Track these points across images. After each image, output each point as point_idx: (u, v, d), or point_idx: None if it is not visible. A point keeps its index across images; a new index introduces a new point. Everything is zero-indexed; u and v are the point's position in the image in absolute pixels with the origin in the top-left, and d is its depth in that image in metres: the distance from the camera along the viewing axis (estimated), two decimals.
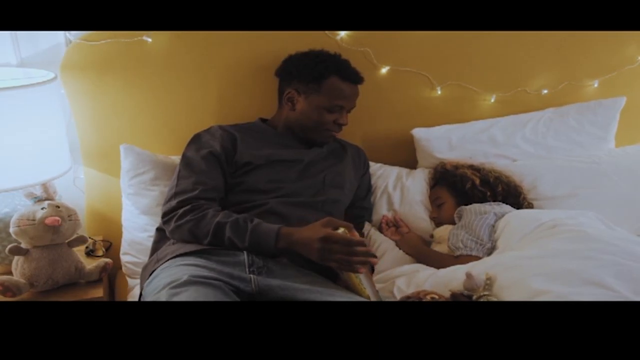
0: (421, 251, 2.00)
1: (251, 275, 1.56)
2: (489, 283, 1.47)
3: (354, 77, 1.96)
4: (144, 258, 1.94)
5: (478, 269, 1.53)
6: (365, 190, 2.14)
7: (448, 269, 1.70)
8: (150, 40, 2.01)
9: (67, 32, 1.98)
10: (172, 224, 1.69)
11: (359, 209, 2.10)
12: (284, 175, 1.87)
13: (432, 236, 2.11)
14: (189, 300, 1.32)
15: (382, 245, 2.04)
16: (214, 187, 1.78)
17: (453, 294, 1.50)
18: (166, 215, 1.73)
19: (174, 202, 1.72)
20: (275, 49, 2.09)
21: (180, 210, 1.69)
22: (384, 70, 2.27)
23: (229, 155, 1.84)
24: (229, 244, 1.62)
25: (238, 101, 2.17)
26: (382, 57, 2.25)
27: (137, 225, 2.03)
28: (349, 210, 2.04)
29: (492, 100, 2.42)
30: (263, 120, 2.06)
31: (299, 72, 1.93)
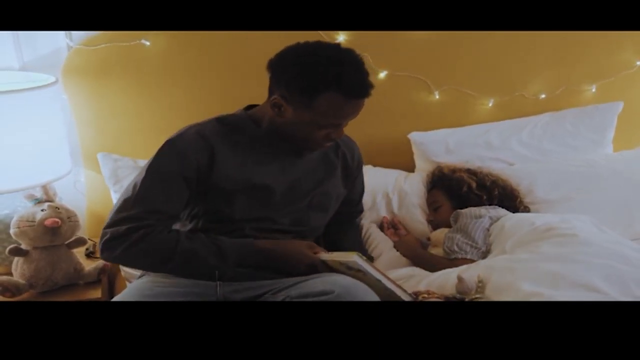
0: (417, 254, 2.00)
1: (217, 282, 1.54)
2: (480, 286, 1.48)
3: (358, 91, 1.50)
4: None
5: (470, 272, 1.54)
6: (358, 194, 1.97)
7: (441, 272, 1.71)
8: (148, 43, 2.04)
9: (67, 38, 2.01)
10: (118, 251, 1.47)
11: (351, 213, 1.97)
12: (266, 200, 1.63)
13: (429, 239, 2.13)
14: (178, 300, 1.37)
15: (380, 245, 2.05)
16: (173, 216, 1.55)
17: (446, 298, 1.51)
18: (112, 241, 1.47)
19: (122, 228, 1.46)
20: (274, 50, 2.11)
21: (132, 238, 1.46)
22: (382, 74, 2.28)
23: (202, 175, 1.55)
24: (204, 273, 1.52)
25: (236, 103, 2.18)
26: (381, 61, 2.27)
27: None
28: (341, 209, 1.86)
29: (490, 105, 2.43)
30: (249, 107, 1.71)
31: (289, 78, 1.50)
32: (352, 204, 1.96)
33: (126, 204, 1.49)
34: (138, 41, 2.04)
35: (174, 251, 1.48)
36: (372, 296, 1.39)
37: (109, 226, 1.48)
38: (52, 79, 1.86)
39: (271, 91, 1.57)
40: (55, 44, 2.02)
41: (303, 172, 1.68)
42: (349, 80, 1.47)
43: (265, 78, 2.13)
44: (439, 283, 1.63)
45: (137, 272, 1.94)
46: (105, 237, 1.47)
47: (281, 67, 1.53)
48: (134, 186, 1.51)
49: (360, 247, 1.97)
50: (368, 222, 2.16)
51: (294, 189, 1.66)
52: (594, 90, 2.50)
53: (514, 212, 2.03)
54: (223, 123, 1.64)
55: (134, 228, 1.46)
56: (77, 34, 2.02)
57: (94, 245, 2.11)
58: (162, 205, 1.50)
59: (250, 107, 1.71)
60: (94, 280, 1.90)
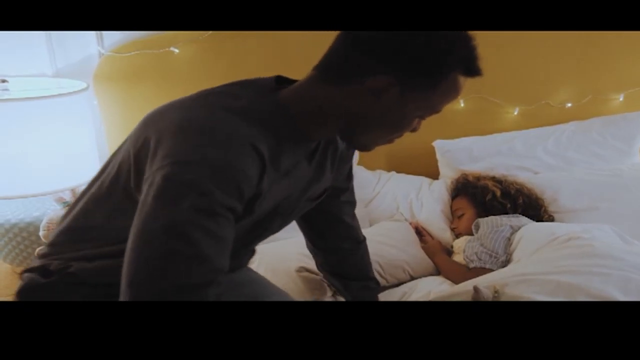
0: (438, 259, 2.01)
1: None
2: (496, 296, 1.47)
3: (478, 69, 1.19)
4: None
5: (486, 282, 1.54)
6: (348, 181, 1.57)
7: (462, 286, 1.69)
8: (177, 51, 2.09)
9: (99, 46, 2.07)
10: None
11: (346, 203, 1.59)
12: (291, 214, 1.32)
13: (452, 247, 2.13)
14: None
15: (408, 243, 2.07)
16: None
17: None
18: None
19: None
20: (303, 55, 2.11)
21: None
22: None
23: (248, 198, 1.06)
24: None
25: None
26: None
27: None
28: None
29: (515, 113, 2.42)
30: (278, 87, 1.20)
31: (410, 57, 1.10)
32: (343, 189, 1.54)
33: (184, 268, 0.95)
34: (167, 49, 2.08)
35: None
36: None
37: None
38: (84, 86, 1.91)
39: (362, 71, 1.12)
40: (87, 51, 2.08)
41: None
42: (474, 57, 1.19)
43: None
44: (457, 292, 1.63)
45: None
46: None
47: (391, 40, 1.11)
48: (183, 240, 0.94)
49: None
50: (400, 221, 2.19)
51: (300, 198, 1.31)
52: (621, 99, 2.47)
53: (537, 221, 2.02)
54: (267, 125, 1.10)
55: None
56: (108, 42, 2.07)
57: None
58: (220, 259, 1.00)
59: (279, 82, 1.23)
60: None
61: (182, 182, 0.95)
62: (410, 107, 1.16)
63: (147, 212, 0.95)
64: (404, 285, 1.92)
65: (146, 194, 0.97)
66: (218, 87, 1.21)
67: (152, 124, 1.09)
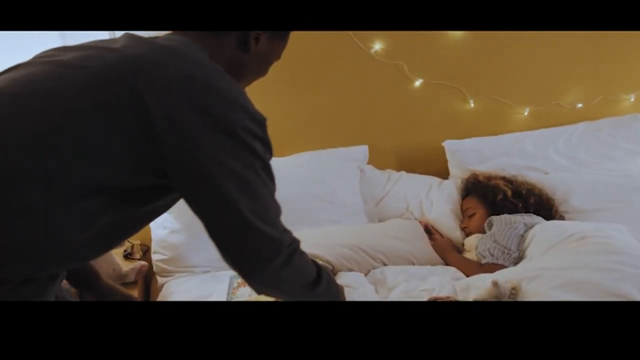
0: (449, 257, 2.01)
1: None
2: (514, 293, 1.47)
3: None
4: (169, 254, 2.04)
5: (501, 278, 1.54)
6: None
7: (471, 277, 1.71)
8: None
9: None
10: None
11: None
12: None
13: (463, 245, 2.12)
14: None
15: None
16: None
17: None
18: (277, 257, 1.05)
19: (286, 240, 1.08)
20: (305, 51, 2.10)
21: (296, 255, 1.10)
22: (418, 83, 2.30)
23: None
24: None
25: (271, 107, 2.21)
26: (416, 70, 2.28)
27: (157, 223, 2.08)
28: None
29: (526, 114, 2.42)
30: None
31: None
32: None
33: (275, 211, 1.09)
34: None
35: (320, 273, 1.19)
36: None
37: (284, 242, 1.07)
38: None
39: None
40: None
41: None
42: None
43: (299, 82, 2.11)
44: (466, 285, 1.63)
45: (166, 266, 2.02)
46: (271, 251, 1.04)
47: None
48: (258, 181, 1.05)
49: None
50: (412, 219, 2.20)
51: None
52: (632, 99, 2.47)
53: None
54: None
55: (294, 242, 1.11)
56: None
57: (132, 247, 2.16)
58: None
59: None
60: (132, 281, 1.94)
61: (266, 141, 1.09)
62: (274, 53, 1.29)
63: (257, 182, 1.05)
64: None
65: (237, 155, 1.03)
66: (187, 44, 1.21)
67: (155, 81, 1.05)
